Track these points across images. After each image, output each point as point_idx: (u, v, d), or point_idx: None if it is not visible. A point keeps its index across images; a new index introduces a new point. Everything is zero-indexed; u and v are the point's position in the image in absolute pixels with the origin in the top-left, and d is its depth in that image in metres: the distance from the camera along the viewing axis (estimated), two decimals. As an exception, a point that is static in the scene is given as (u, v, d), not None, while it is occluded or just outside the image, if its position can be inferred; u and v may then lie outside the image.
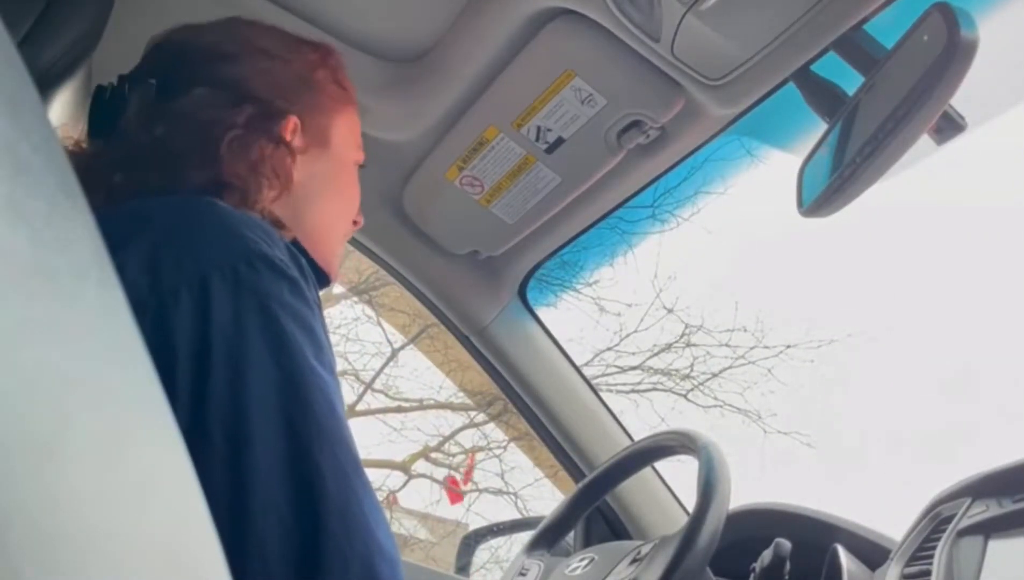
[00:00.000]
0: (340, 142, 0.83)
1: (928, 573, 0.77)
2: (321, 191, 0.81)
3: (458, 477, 6.72)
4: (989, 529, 0.78)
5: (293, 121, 0.78)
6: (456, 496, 6.67)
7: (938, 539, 0.81)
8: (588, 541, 1.45)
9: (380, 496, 6.54)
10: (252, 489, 0.54)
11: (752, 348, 6.31)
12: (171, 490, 0.25)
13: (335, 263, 0.86)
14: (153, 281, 0.58)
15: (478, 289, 1.40)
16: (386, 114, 1.14)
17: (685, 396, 6.39)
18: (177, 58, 0.79)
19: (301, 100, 0.80)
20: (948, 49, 0.66)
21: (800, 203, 0.86)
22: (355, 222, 0.89)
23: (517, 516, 5.76)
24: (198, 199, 0.66)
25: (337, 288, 6.58)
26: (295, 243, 0.75)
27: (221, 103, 0.75)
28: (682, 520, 1.09)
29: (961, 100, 0.71)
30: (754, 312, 6.90)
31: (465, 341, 1.45)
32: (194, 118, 0.73)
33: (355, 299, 6.48)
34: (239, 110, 0.74)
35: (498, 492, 6.65)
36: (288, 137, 0.77)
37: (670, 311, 6.22)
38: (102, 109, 0.78)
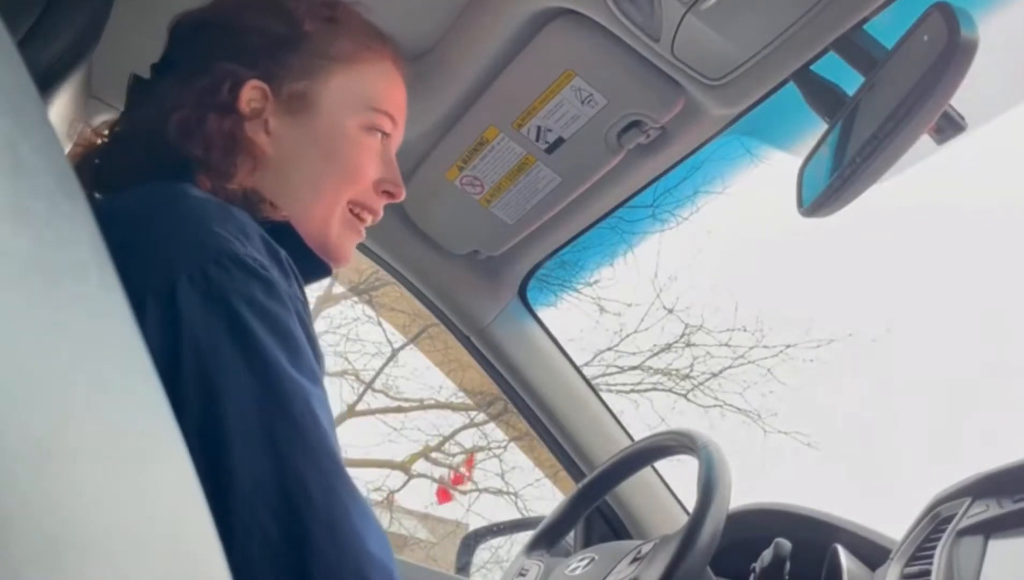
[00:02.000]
0: (332, 104, 0.76)
1: (928, 573, 0.77)
2: (303, 158, 0.75)
3: (447, 481, 6.71)
4: (989, 529, 0.78)
5: (251, 85, 0.72)
6: (445, 495, 6.66)
7: (938, 539, 0.81)
8: (588, 541, 1.45)
9: (380, 496, 6.55)
10: (235, 507, 0.52)
11: (752, 348, 6.32)
12: (171, 489, 0.25)
13: (333, 242, 0.77)
14: None
15: (478, 289, 1.40)
16: (386, 114, 1.14)
17: (685, 396, 6.39)
18: (175, 42, 0.77)
19: (276, 62, 0.74)
20: (948, 49, 0.66)
21: (800, 203, 0.86)
22: (389, 193, 0.80)
23: (517, 516, 5.75)
24: (169, 189, 0.63)
25: (337, 288, 6.58)
26: (285, 227, 0.70)
27: (184, 80, 0.71)
28: (682, 520, 1.09)
29: (961, 100, 0.71)
30: (754, 312, 6.91)
31: (465, 341, 1.45)
32: (155, 102, 0.70)
33: (355, 299, 6.48)
34: (190, 86, 0.70)
35: (498, 492, 6.65)
36: (244, 105, 0.72)
37: (670, 311, 6.22)
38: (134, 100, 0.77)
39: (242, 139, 0.71)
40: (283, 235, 0.66)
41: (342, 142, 0.76)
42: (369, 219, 0.81)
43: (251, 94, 0.73)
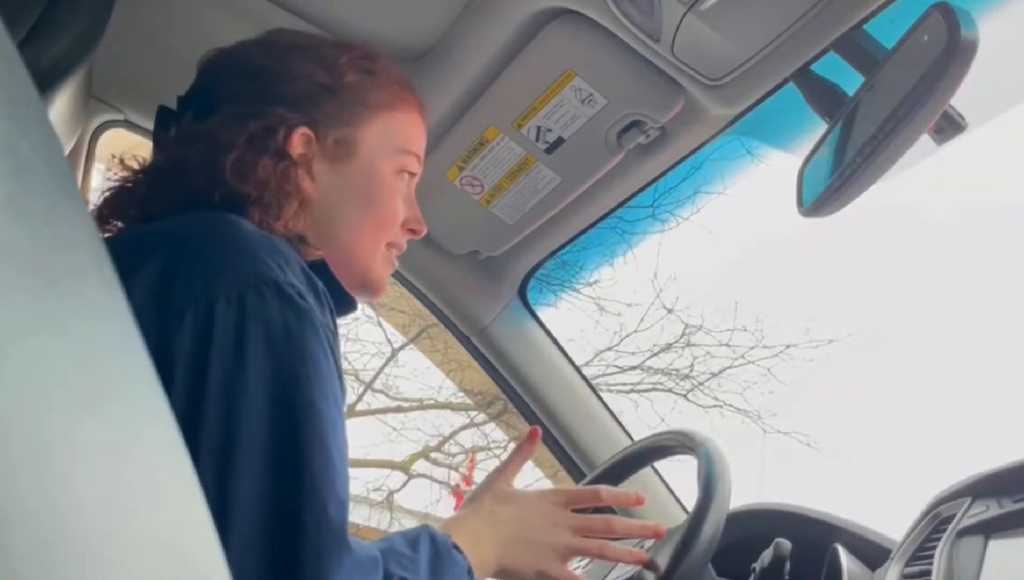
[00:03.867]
0: (370, 150, 0.80)
1: (928, 573, 0.77)
2: (346, 204, 0.79)
3: (460, 478, 6.72)
4: (989, 529, 0.78)
5: (300, 133, 0.75)
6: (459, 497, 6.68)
7: (938, 539, 0.81)
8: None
9: (380, 496, 6.55)
10: (232, 525, 0.54)
11: (752, 348, 6.31)
12: (171, 490, 0.25)
13: (375, 279, 0.82)
14: (160, 304, 0.58)
15: (478, 289, 1.40)
16: (386, 114, 1.14)
17: (685, 396, 6.39)
18: (214, 77, 0.80)
19: (321, 109, 0.77)
20: (948, 49, 0.66)
21: (800, 203, 0.86)
22: (413, 231, 0.85)
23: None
24: (220, 217, 0.66)
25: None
26: (321, 265, 0.73)
27: (236, 121, 0.73)
28: (682, 519, 1.09)
29: (961, 100, 0.71)
30: (754, 312, 6.90)
31: (465, 341, 1.45)
32: (207, 140, 0.73)
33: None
34: (243, 128, 0.73)
35: (498, 492, 6.62)
36: (294, 151, 0.75)
37: (670, 311, 6.21)
38: (161, 128, 0.80)
39: (293, 183, 0.74)
40: (317, 270, 0.68)
41: (378, 186, 0.81)
42: (395, 253, 0.86)
43: (300, 141, 0.76)
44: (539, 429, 0.90)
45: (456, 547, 0.73)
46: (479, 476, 6.75)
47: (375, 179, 0.80)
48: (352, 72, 0.80)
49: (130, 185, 0.76)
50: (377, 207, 0.80)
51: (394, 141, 0.82)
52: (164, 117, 0.80)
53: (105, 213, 0.75)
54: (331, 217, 0.78)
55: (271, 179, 0.72)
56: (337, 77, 0.79)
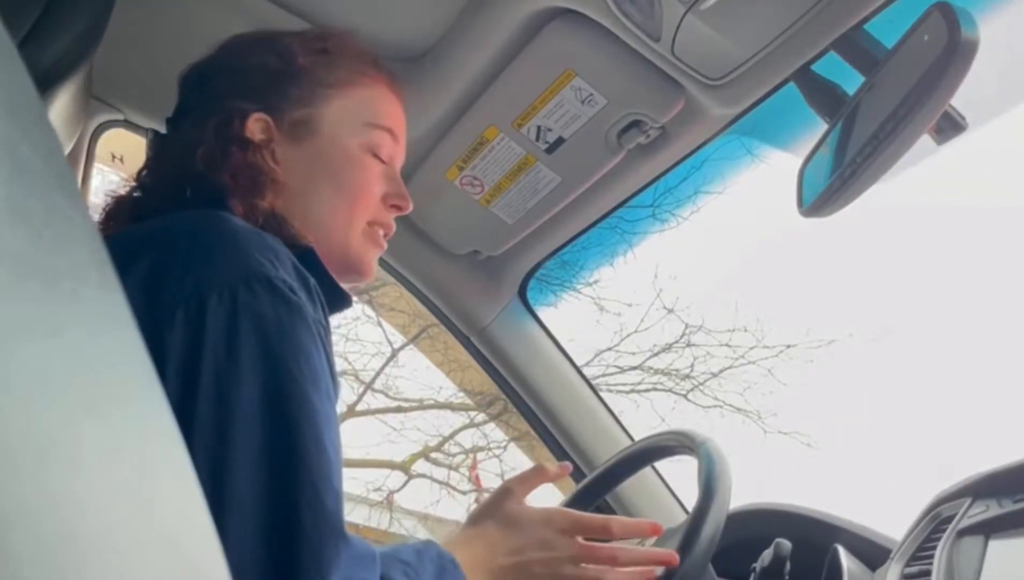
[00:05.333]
0: (332, 127, 0.80)
1: (928, 573, 0.77)
2: (316, 182, 0.79)
3: (464, 474, 6.73)
4: (989, 529, 0.78)
5: (254, 118, 0.78)
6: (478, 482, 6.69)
7: (938, 539, 0.81)
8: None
9: (380, 496, 6.55)
10: (228, 520, 0.54)
11: (752, 348, 6.31)
12: (171, 490, 0.25)
13: (356, 257, 0.82)
14: (152, 302, 0.58)
15: (478, 289, 1.40)
16: (386, 114, 1.14)
17: (685, 396, 6.39)
18: (189, 89, 0.83)
19: (278, 95, 0.79)
20: (948, 49, 0.66)
21: (800, 203, 0.86)
22: (397, 207, 0.85)
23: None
24: (210, 214, 0.67)
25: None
26: (311, 257, 0.74)
27: (201, 120, 0.76)
28: (683, 519, 1.09)
29: (961, 100, 0.71)
30: (754, 312, 6.90)
31: (465, 341, 1.45)
32: (179, 141, 0.77)
33: (355, 299, 6.46)
34: (207, 124, 0.76)
35: (498, 492, 6.62)
36: (254, 136, 0.77)
37: (670, 311, 6.21)
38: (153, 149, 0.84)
39: (263, 166, 0.76)
40: (307, 263, 0.69)
41: (345, 162, 0.81)
42: (382, 233, 0.85)
43: (256, 126, 0.78)
44: (570, 466, 0.91)
45: (458, 567, 0.73)
46: (482, 476, 6.76)
47: (341, 155, 0.81)
48: (304, 54, 0.81)
49: (123, 194, 0.79)
50: (347, 183, 0.80)
51: (359, 116, 0.82)
52: (160, 138, 0.84)
53: (99, 218, 0.79)
54: (304, 197, 0.79)
55: (243, 165, 0.74)
56: (289, 62, 0.81)
